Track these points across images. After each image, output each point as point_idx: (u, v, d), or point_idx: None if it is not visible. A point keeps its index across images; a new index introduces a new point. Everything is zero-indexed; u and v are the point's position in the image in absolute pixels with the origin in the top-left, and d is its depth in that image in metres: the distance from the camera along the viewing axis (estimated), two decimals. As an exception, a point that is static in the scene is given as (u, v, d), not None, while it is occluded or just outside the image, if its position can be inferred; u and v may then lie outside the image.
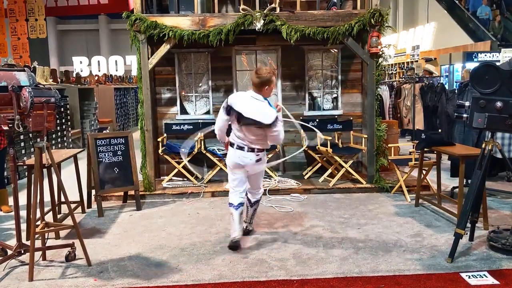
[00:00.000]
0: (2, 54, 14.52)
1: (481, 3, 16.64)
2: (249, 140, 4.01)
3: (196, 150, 6.44)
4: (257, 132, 3.96)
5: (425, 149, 5.49)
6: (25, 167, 5.34)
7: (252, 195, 4.44)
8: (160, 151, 6.45)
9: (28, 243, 3.72)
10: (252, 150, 4.02)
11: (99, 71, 23.29)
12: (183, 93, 7.06)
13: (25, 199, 4.54)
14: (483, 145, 3.91)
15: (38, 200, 3.73)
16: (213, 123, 6.73)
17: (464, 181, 5.01)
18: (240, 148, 4.04)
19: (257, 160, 4.06)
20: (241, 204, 4.18)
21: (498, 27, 15.51)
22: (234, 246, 4.16)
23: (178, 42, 5.97)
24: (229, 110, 3.98)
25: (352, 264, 3.81)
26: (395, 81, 11.34)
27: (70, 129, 10.20)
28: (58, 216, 4.91)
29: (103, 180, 5.49)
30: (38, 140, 3.70)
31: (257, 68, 4.16)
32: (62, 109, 9.54)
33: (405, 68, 12.85)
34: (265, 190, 5.75)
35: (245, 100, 3.96)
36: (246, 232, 4.55)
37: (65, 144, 9.72)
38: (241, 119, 3.92)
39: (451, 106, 6.77)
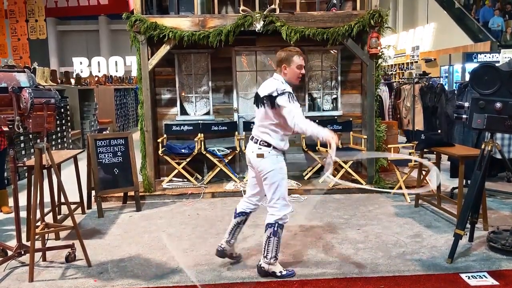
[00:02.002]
0: (2, 55, 14.52)
1: (492, 14, 16.04)
2: (258, 129, 3.49)
3: (196, 150, 6.44)
4: (269, 120, 3.41)
5: (425, 150, 5.50)
6: (25, 168, 5.32)
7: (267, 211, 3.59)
8: (160, 152, 6.45)
9: (28, 244, 3.72)
10: (257, 141, 3.48)
11: (99, 71, 23.34)
12: (183, 94, 7.07)
13: (25, 200, 4.54)
14: (483, 146, 3.92)
15: (38, 201, 3.74)
16: (213, 124, 6.84)
17: (464, 181, 5.02)
18: (251, 138, 3.56)
19: (258, 155, 3.42)
20: (243, 213, 3.72)
21: (511, 39, 15.04)
22: (217, 254, 3.80)
23: (178, 43, 5.98)
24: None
25: (352, 264, 3.81)
26: (395, 81, 11.36)
27: (70, 130, 10.20)
28: (58, 217, 4.92)
29: (103, 181, 5.49)
30: (38, 141, 3.70)
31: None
32: (62, 110, 9.55)
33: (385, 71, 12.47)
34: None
35: (264, 82, 3.58)
36: (223, 254, 3.81)
37: (65, 145, 9.72)
38: (255, 100, 3.52)
39: (451, 106, 6.78)
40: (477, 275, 3.56)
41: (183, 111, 7.09)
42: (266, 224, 3.52)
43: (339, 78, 7.03)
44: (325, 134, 3.21)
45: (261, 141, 3.44)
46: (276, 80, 3.48)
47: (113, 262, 3.98)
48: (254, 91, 7.01)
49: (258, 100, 3.46)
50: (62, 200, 5.09)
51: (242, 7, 5.99)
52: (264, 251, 3.54)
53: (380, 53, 6.15)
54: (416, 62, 10.48)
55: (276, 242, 3.50)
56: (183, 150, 6.53)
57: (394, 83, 10.23)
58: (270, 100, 3.35)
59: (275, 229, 3.47)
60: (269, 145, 3.42)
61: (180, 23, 5.98)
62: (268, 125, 3.43)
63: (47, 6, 16.30)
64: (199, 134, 6.61)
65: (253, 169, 3.58)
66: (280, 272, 3.57)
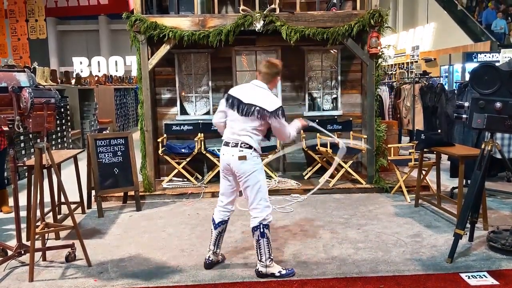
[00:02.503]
0: (2, 54, 14.54)
1: (495, 16, 15.84)
2: (237, 133, 3.51)
3: (196, 150, 6.44)
4: (251, 124, 3.48)
5: (425, 150, 5.50)
6: (25, 167, 5.34)
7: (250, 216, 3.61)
8: (160, 151, 6.45)
9: (28, 243, 3.72)
10: (236, 144, 3.49)
11: (99, 71, 23.36)
12: (183, 94, 7.07)
13: (25, 199, 4.54)
14: (483, 146, 3.92)
15: (38, 201, 3.74)
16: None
17: (464, 181, 5.02)
18: (226, 143, 3.55)
19: (240, 158, 3.44)
20: (222, 222, 3.74)
21: None
22: (206, 267, 3.77)
23: (178, 42, 5.98)
24: (228, 100, 3.58)
25: (352, 264, 3.81)
26: (395, 81, 11.35)
27: (70, 129, 10.20)
28: (58, 216, 4.92)
29: (103, 180, 5.49)
30: (38, 140, 3.70)
31: (269, 59, 3.77)
32: (62, 110, 9.55)
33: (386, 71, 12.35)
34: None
35: (246, 88, 3.62)
36: (212, 265, 3.79)
37: (65, 144, 9.72)
38: (239, 107, 3.50)
39: (451, 106, 6.78)
40: (477, 275, 3.56)
41: (183, 111, 7.09)
42: (252, 228, 3.57)
43: (339, 77, 7.03)
44: (297, 126, 3.71)
45: (242, 143, 3.49)
46: (268, 92, 3.60)
47: (113, 261, 3.98)
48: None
49: (246, 108, 3.48)
50: (62, 199, 5.09)
51: (242, 7, 5.99)
52: (258, 255, 3.57)
53: (380, 53, 6.15)
54: (416, 62, 10.48)
55: (267, 243, 3.53)
56: (183, 150, 6.53)
57: (395, 83, 10.23)
58: (264, 113, 3.44)
59: (262, 230, 3.51)
60: (250, 147, 3.48)
61: (180, 22, 5.98)
62: (251, 129, 3.50)
63: (47, 6, 16.31)
64: (199, 134, 6.61)
65: (229, 176, 3.62)
66: (279, 272, 3.58)
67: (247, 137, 3.49)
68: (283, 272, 3.59)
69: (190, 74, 7.04)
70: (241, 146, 3.48)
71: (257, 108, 3.44)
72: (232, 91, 3.64)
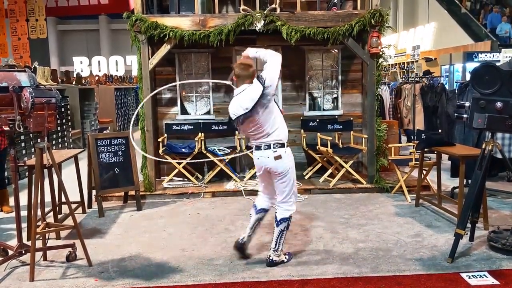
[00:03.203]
0: (3, 54, 14.54)
1: (499, 20, 15.79)
2: (263, 136, 3.63)
3: (196, 150, 6.44)
4: (271, 115, 3.60)
5: (425, 149, 5.50)
6: (25, 167, 5.34)
7: (277, 207, 3.81)
8: (160, 151, 6.45)
9: (29, 243, 3.73)
10: (268, 146, 3.64)
11: (99, 71, 23.39)
12: (183, 93, 7.07)
13: (26, 199, 4.54)
14: (483, 146, 3.92)
15: (38, 201, 3.74)
16: (214, 123, 6.83)
17: (464, 181, 5.02)
18: (258, 147, 3.68)
19: (276, 158, 3.61)
20: (264, 210, 3.86)
21: None
22: (236, 246, 3.91)
23: (179, 42, 5.98)
24: (236, 121, 3.61)
25: (353, 264, 3.81)
26: (387, 81, 11.35)
27: (70, 129, 10.21)
28: (59, 216, 4.92)
29: (103, 180, 5.49)
30: (39, 140, 3.70)
31: (240, 61, 3.79)
32: (62, 110, 9.55)
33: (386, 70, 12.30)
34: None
35: (235, 103, 3.62)
36: (240, 246, 3.92)
37: (66, 144, 9.73)
38: (254, 115, 3.54)
39: (451, 106, 6.78)
40: (478, 275, 3.56)
41: (184, 111, 7.09)
42: (280, 219, 3.74)
43: (339, 77, 7.02)
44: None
45: (274, 144, 3.64)
46: (252, 84, 3.61)
47: (114, 261, 3.98)
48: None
49: (257, 106, 3.50)
50: (63, 199, 5.10)
51: (242, 7, 5.99)
52: (276, 244, 3.77)
53: (380, 53, 6.15)
54: (417, 61, 10.46)
55: (286, 235, 3.83)
56: (183, 150, 6.54)
57: (391, 83, 10.25)
58: (263, 94, 3.49)
59: (289, 222, 3.77)
60: (282, 145, 3.66)
61: (181, 22, 5.98)
62: (273, 120, 3.61)
63: (48, 6, 16.31)
64: (200, 134, 6.61)
65: (265, 172, 3.74)
66: (285, 258, 3.87)
67: (277, 133, 3.64)
68: (287, 258, 3.88)
69: (190, 74, 7.04)
70: (274, 147, 3.63)
71: (261, 96, 3.48)
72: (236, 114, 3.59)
